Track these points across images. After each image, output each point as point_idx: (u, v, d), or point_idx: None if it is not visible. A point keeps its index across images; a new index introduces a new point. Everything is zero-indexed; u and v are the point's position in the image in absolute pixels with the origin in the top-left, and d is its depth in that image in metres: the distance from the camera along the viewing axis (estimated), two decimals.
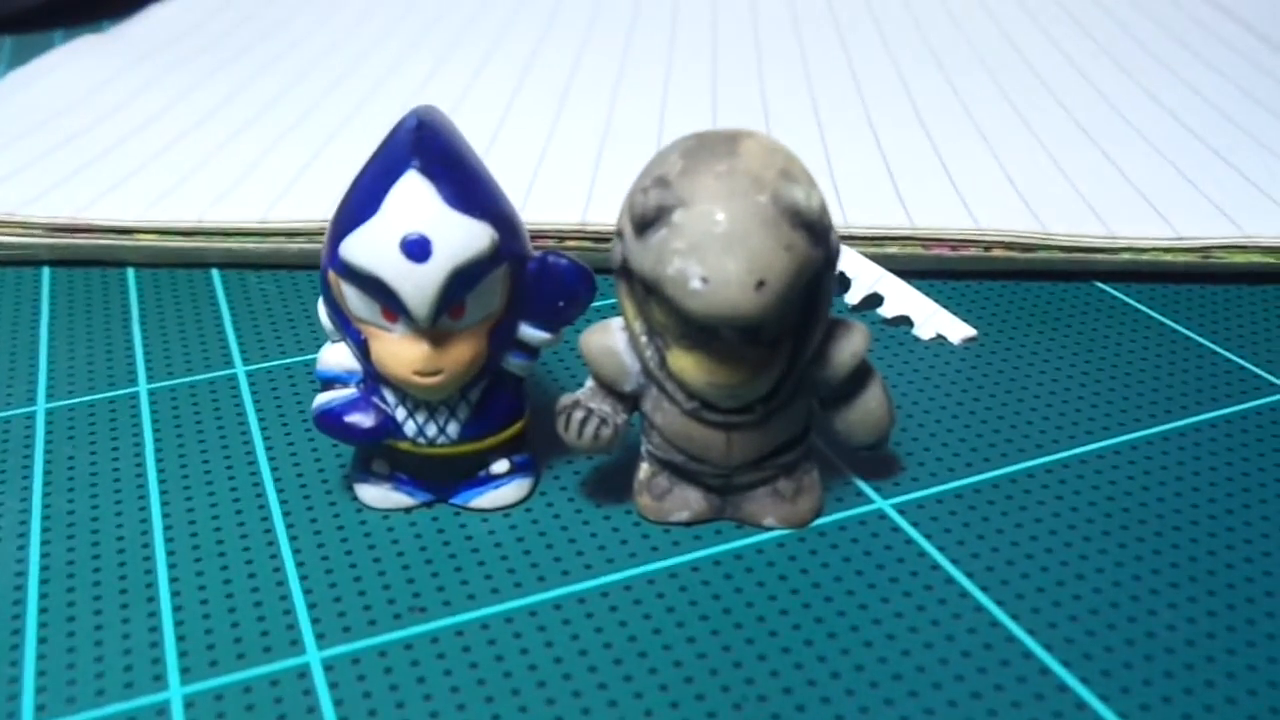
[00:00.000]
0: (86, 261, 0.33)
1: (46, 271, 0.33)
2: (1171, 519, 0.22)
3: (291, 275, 0.32)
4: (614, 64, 0.45)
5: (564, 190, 0.33)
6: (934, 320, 0.29)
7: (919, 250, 0.31)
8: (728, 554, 0.22)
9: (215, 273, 0.33)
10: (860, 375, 0.22)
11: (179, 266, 0.33)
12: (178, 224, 0.32)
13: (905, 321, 0.29)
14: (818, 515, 0.22)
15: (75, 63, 0.45)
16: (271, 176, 0.35)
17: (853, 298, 0.30)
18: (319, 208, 0.33)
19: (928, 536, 0.22)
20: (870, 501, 0.23)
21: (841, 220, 0.31)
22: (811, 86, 0.42)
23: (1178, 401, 0.26)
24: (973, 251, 0.31)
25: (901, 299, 0.29)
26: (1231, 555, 0.21)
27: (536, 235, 0.22)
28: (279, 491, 0.24)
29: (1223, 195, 0.32)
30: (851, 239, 0.31)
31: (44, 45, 0.49)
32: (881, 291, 0.29)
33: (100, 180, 0.35)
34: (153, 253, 0.32)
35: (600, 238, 0.31)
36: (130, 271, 0.33)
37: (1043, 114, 0.39)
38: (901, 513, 0.23)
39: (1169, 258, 0.30)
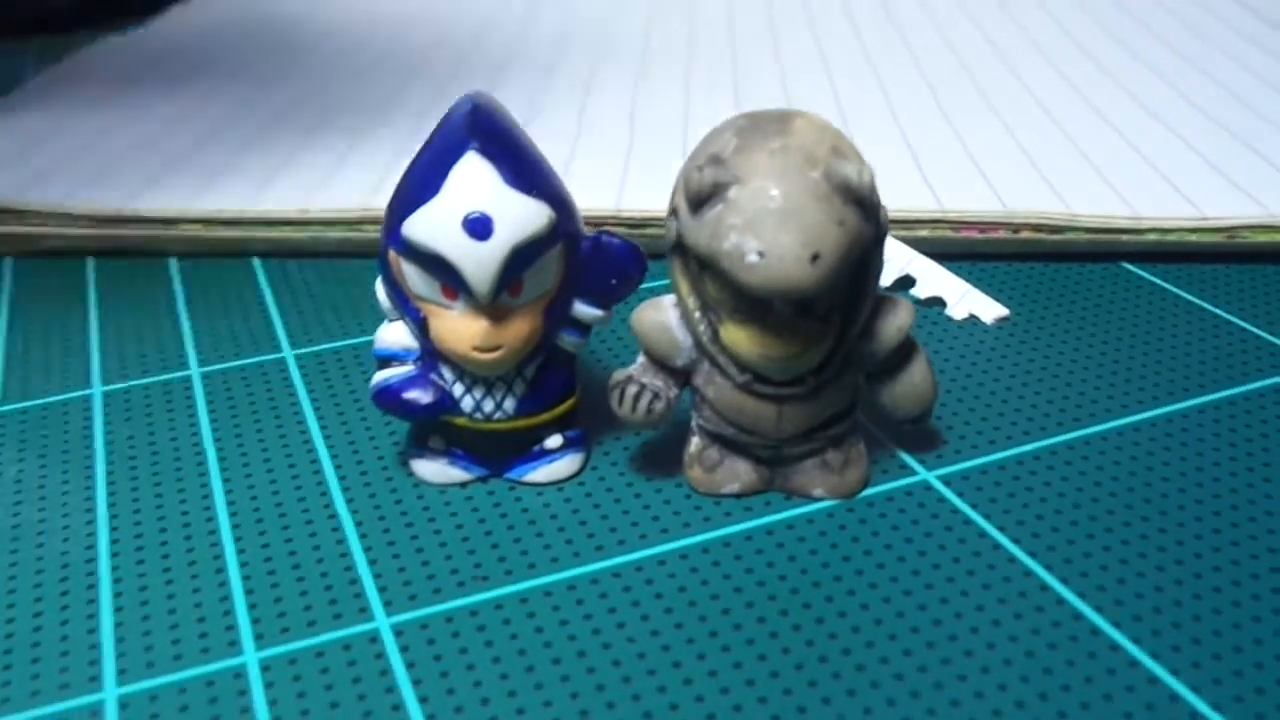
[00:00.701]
0: (130, 252, 0.33)
1: (91, 262, 0.33)
2: (1211, 487, 0.23)
3: (332, 263, 0.33)
4: (636, 56, 0.45)
5: (596, 179, 0.34)
6: (966, 300, 0.29)
7: (949, 233, 0.31)
8: (779, 524, 0.22)
9: (256, 261, 0.33)
10: (905, 350, 0.23)
11: (221, 256, 0.33)
12: (221, 214, 0.33)
13: (939, 302, 0.30)
14: (865, 486, 0.23)
15: (106, 62, 0.45)
16: (308, 167, 0.35)
17: (886, 279, 0.30)
18: (356, 197, 0.33)
19: (973, 506, 0.22)
20: (915, 473, 0.23)
21: None
22: (831, 74, 0.43)
23: (1210, 377, 0.26)
24: (1001, 234, 0.31)
25: (934, 280, 0.30)
26: (1272, 520, 0.22)
27: None
28: (336, 469, 0.24)
29: (1245, 176, 0.33)
30: None
31: (70, 47, 0.50)
32: (914, 273, 0.30)
33: (140, 173, 0.35)
34: (196, 243, 0.33)
35: (635, 224, 0.32)
36: (173, 261, 0.33)
37: (1062, 101, 0.39)
38: (947, 484, 0.23)
39: (1195, 238, 0.31)
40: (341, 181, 0.34)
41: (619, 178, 0.34)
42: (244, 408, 0.26)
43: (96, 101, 0.42)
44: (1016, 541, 0.21)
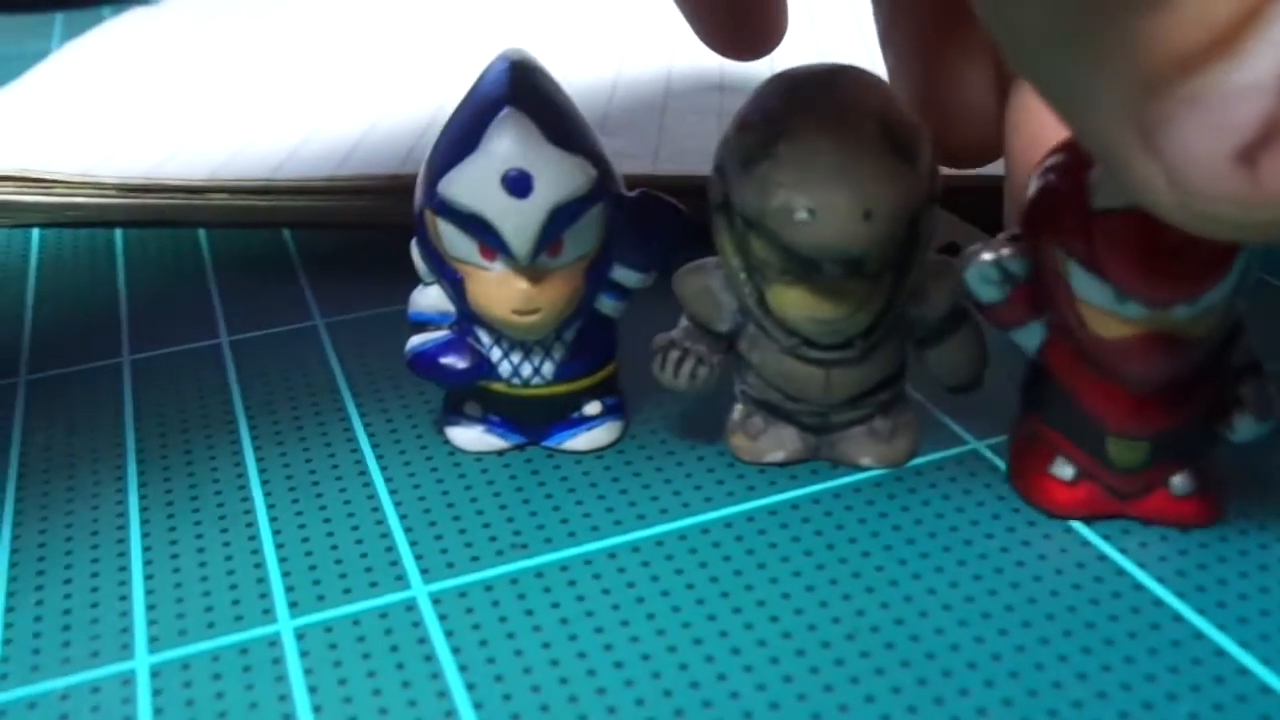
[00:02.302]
0: (158, 222, 0.33)
1: (119, 232, 0.33)
2: None
3: (361, 231, 0.32)
4: (671, 16, 0.45)
5: (630, 142, 0.33)
6: None
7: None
8: (826, 492, 0.22)
9: (285, 231, 0.33)
10: (956, 314, 0.22)
11: (250, 226, 0.33)
12: (248, 182, 0.32)
13: None
14: (914, 455, 0.22)
15: (132, 31, 0.45)
16: (338, 134, 0.35)
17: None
18: (384, 165, 0.33)
19: None
20: (964, 442, 0.23)
21: None
22: (864, 36, 0.42)
23: None
24: None
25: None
26: None
27: None
28: (370, 436, 0.24)
29: None
30: None
31: (94, 21, 0.49)
32: (959, 240, 0.29)
33: (168, 142, 0.35)
34: (224, 211, 0.33)
35: (669, 187, 0.31)
36: (201, 232, 0.33)
37: None
38: (997, 452, 0.22)
39: None
40: (369, 149, 0.34)
41: (654, 141, 0.33)
42: (275, 374, 0.26)
43: (124, 71, 0.41)
44: None
